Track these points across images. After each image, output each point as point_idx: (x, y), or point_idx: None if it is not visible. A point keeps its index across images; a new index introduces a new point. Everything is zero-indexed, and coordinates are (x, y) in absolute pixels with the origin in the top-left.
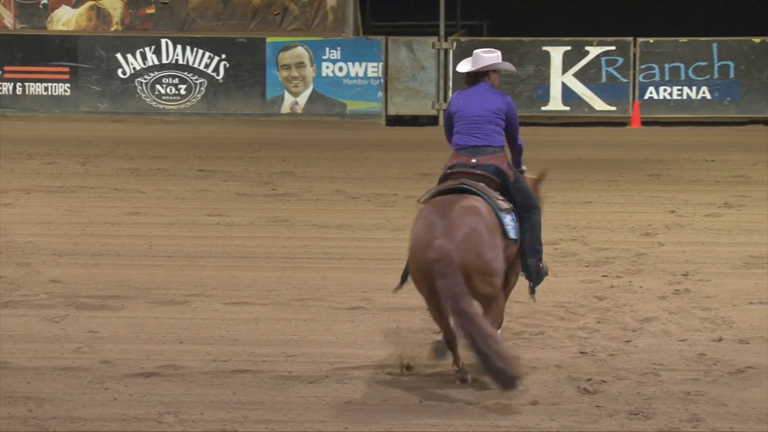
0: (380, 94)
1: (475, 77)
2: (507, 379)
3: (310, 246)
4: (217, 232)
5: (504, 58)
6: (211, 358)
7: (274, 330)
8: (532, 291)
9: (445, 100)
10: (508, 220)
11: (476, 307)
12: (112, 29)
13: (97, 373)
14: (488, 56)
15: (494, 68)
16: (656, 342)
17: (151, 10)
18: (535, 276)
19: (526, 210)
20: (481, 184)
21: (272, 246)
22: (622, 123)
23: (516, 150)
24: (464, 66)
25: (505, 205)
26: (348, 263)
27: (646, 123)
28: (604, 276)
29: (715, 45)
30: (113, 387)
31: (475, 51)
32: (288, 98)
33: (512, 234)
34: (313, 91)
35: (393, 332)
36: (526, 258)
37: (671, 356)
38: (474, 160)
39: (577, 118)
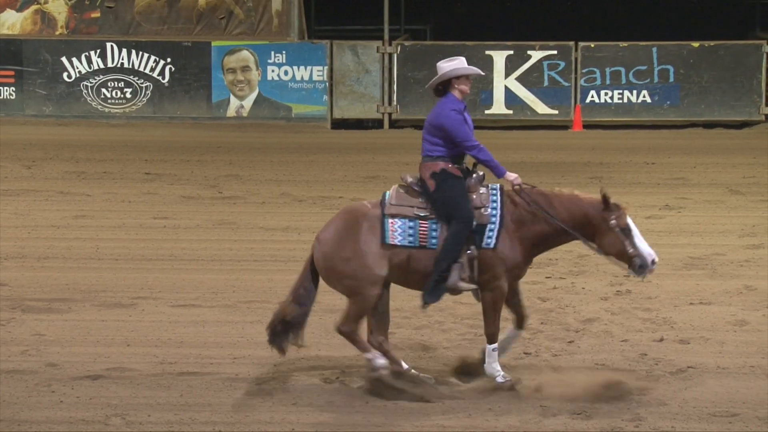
0: (325, 97)
1: (443, 88)
2: None
3: (257, 249)
4: (164, 235)
5: None
6: (158, 361)
7: (221, 332)
8: (423, 303)
9: (390, 103)
10: (396, 226)
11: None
12: (57, 33)
13: (43, 375)
14: (446, 65)
15: (453, 76)
16: (598, 342)
17: (96, 14)
18: (429, 289)
19: (446, 220)
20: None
21: (219, 249)
22: (564, 126)
23: (475, 157)
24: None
25: (398, 211)
26: (294, 266)
27: (587, 126)
28: (547, 277)
29: (654, 49)
30: (60, 390)
31: (438, 63)
32: (233, 102)
33: (387, 239)
34: (259, 94)
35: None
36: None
37: (613, 356)
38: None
39: (520, 122)
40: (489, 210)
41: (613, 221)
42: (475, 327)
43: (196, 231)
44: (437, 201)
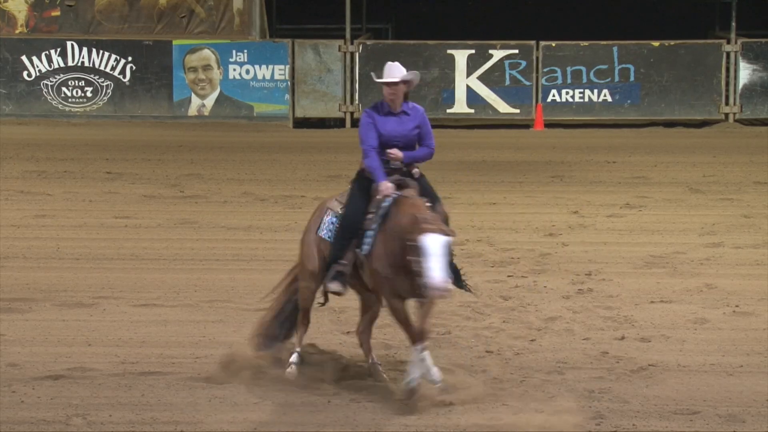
0: (287, 96)
1: None
2: None
3: (219, 248)
4: (125, 234)
5: (409, 62)
6: (120, 360)
7: (183, 332)
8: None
9: (352, 102)
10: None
11: None
12: (17, 32)
13: (4, 376)
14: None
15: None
16: (560, 341)
17: (56, 13)
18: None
19: None
20: None
21: (180, 248)
22: (525, 125)
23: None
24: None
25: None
26: (256, 265)
27: (549, 125)
28: (509, 276)
29: (615, 48)
30: (21, 390)
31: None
32: (195, 101)
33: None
34: (220, 93)
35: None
36: None
37: (575, 355)
38: None
39: (482, 121)
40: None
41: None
42: (438, 325)
43: (157, 230)
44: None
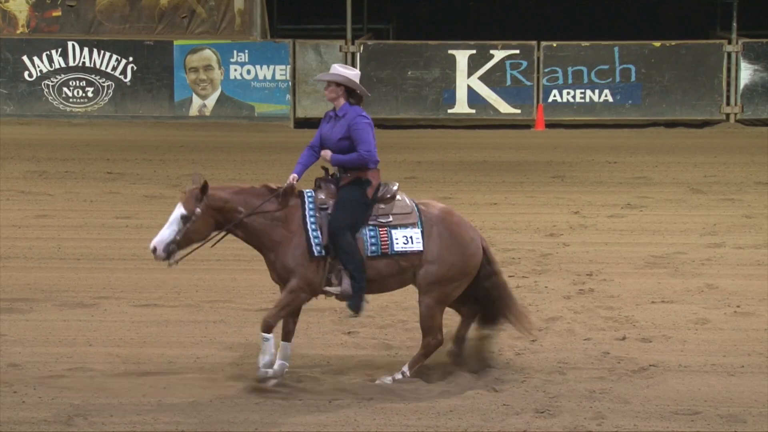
0: (288, 96)
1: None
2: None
3: (219, 248)
4: (126, 234)
5: (410, 62)
6: (121, 361)
7: (184, 332)
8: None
9: None
10: None
11: None
12: (18, 32)
13: (5, 376)
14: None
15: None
16: (561, 341)
17: (57, 13)
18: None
19: None
20: None
21: None
22: (526, 125)
23: None
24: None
25: None
26: (258, 265)
27: (550, 125)
28: (510, 276)
29: (616, 49)
30: (22, 390)
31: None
32: (196, 101)
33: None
34: (221, 93)
35: (303, 333)
36: None
37: (576, 355)
38: None
39: (483, 121)
40: None
41: None
42: None
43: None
44: None
